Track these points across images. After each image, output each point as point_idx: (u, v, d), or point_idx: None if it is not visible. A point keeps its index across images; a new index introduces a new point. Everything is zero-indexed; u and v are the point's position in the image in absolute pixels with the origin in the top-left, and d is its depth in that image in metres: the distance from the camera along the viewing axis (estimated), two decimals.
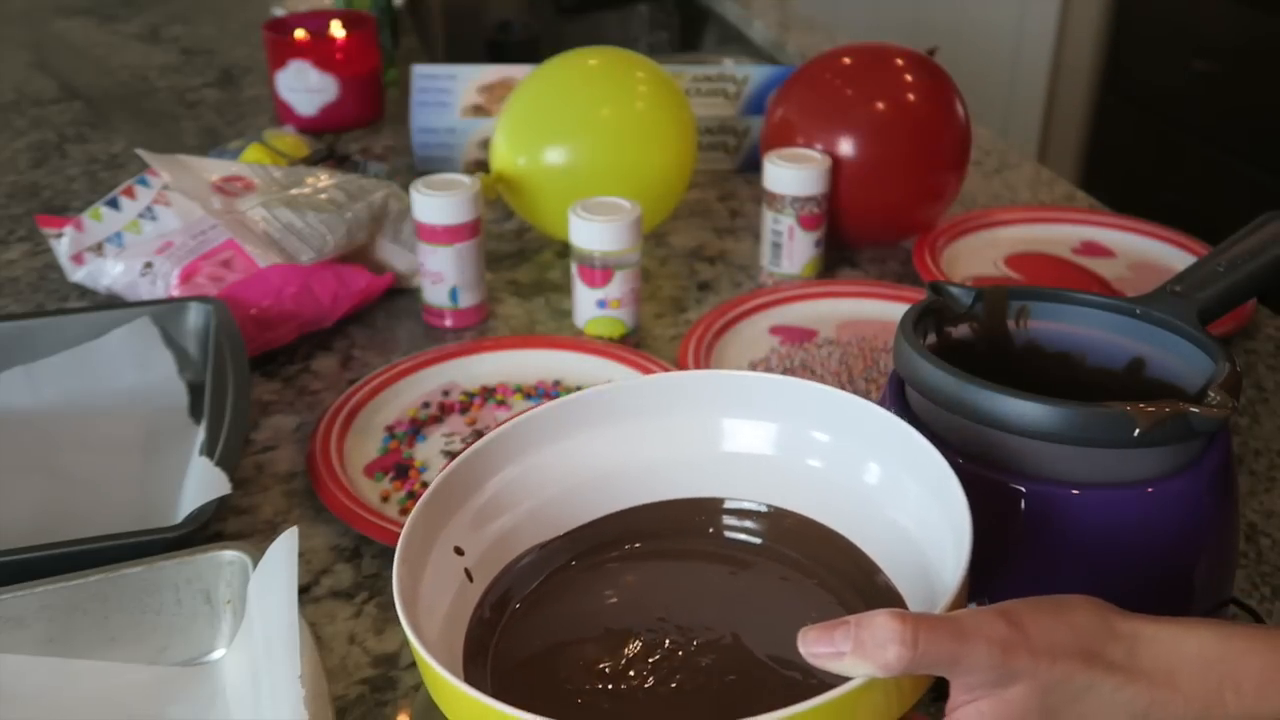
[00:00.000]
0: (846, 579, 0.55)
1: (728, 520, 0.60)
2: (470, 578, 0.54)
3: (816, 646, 0.39)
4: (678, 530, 0.59)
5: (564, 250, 1.08)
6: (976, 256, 1.06)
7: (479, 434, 0.81)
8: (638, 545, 0.59)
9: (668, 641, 0.52)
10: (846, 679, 0.39)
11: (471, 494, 0.56)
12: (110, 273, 0.96)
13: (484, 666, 0.51)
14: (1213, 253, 0.65)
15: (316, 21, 1.41)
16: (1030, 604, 0.41)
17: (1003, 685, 0.39)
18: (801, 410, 0.58)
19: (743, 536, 0.59)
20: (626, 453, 0.59)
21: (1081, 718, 0.40)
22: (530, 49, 2.14)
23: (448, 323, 0.96)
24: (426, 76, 1.25)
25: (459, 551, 0.54)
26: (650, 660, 0.51)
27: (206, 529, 0.66)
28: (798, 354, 0.90)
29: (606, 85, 1.03)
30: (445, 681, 0.43)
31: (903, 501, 0.54)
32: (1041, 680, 0.39)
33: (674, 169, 1.04)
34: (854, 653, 0.38)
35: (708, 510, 0.60)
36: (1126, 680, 0.40)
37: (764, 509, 0.59)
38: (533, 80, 1.05)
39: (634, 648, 0.52)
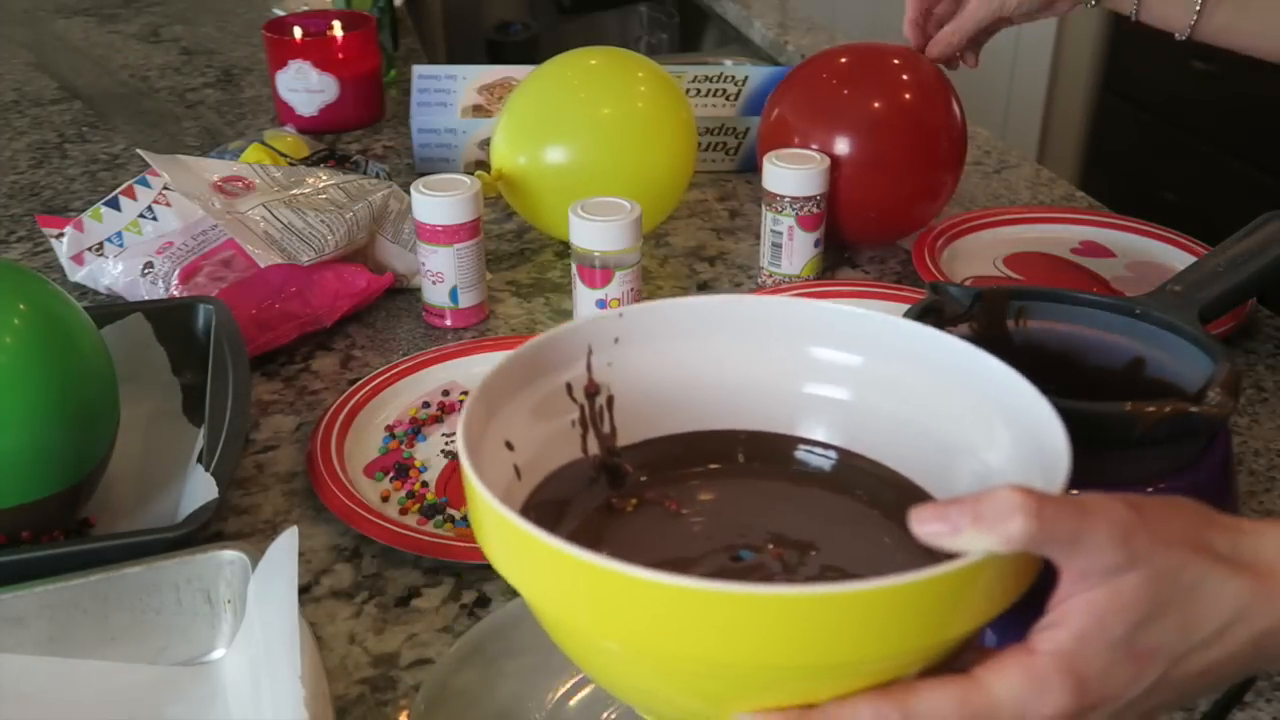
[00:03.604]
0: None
1: (800, 455, 0.56)
2: (519, 475, 0.51)
3: (931, 524, 0.37)
4: (749, 458, 0.56)
5: (564, 250, 1.08)
6: (976, 256, 1.06)
7: None
8: (709, 467, 0.55)
9: (745, 554, 0.49)
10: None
11: (532, 382, 0.52)
12: (110, 273, 0.96)
13: None
14: (1213, 253, 0.65)
15: (316, 21, 1.41)
16: (1141, 496, 0.40)
17: (1118, 573, 0.38)
18: (882, 345, 0.54)
19: (812, 472, 0.55)
20: (706, 372, 0.55)
21: (1190, 611, 0.39)
22: (530, 49, 2.14)
23: (448, 323, 0.96)
24: (426, 76, 1.25)
25: (509, 446, 0.51)
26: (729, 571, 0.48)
27: (206, 529, 0.66)
28: None
29: (607, 85, 1.03)
30: (509, 522, 0.39)
31: (988, 442, 0.50)
32: (1157, 567, 0.38)
33: (674, 169, 1.04)
34: (974, 524, 0.36)
35: (780, 445, 0.56)
36: (1232, 572, 0.39)
37: (836, 452, 0.55)
38: (533, 80, 1.05)
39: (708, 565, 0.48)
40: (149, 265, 0.95)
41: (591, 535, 0.51)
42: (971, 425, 0.51)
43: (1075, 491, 0.40)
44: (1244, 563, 0.40)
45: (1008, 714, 0.38)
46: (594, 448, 0.55)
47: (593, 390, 0.55)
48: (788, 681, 0.39)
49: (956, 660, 0.41)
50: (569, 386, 0.54)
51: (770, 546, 0.50)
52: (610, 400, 0.55)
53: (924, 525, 0.37)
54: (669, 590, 0.36)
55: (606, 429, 0.55)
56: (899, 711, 0.38)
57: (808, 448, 0.56)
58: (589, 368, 0.54)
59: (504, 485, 0.50)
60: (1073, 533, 0.37)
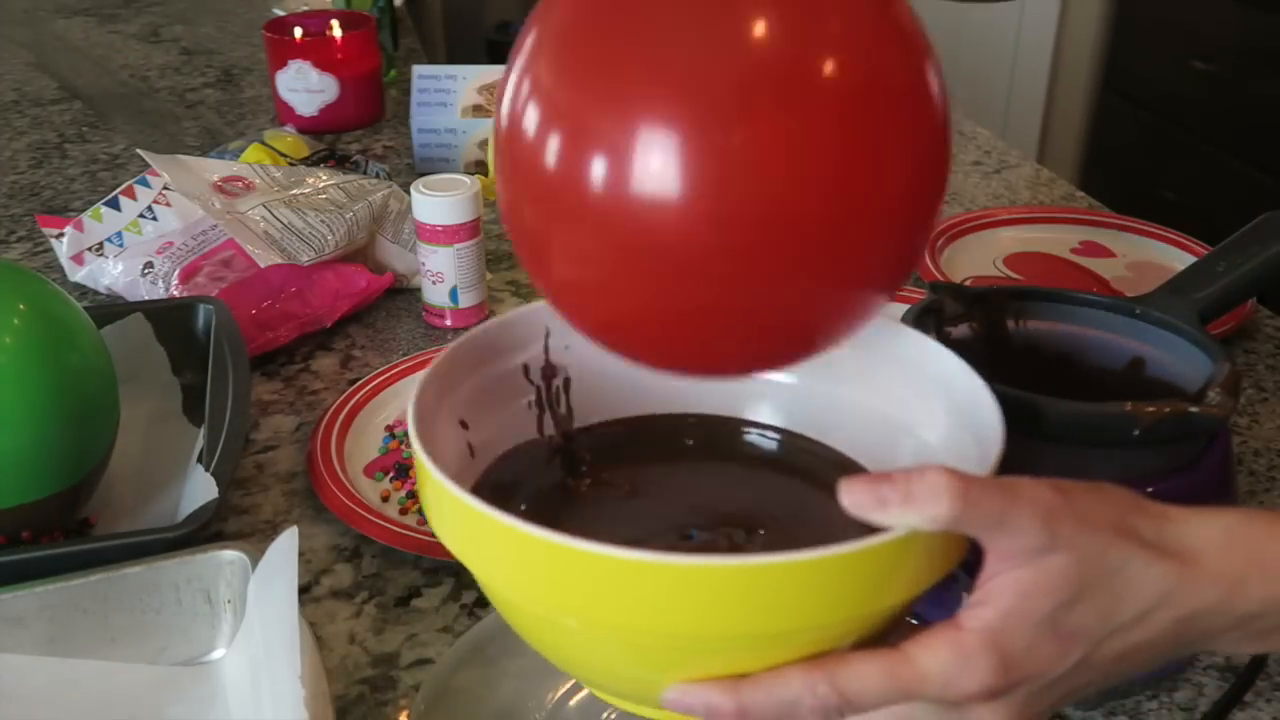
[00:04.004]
0: None
1: (748, 438, 0.57)
2: (472, 453, 0.52)
3: (859, 495, 0.38)
4: (699, 441, 0.56)
5: None
6: (976, 256, 1.06)
7: None
8: (661, 449, 0.55)
9: (694, 534, 0.50)
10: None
11: (490, 362, 0.53)
12: (110, 273, 0.96)
13: None
14: (1213, 253, 0.65)
15: (316, 21, 1.41)
16: (1070, 481, 0.41)
17: (1042, 554, 0.39)
18: None
19: (759, 454, 0.56)
20: None
21: (1114, 594, 0.40)
22: None
23: (448, 323, 0.96)
24: (426, 76, 1.25)
25: (464, 425, 0.51)
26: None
27: (206, 529, 0.66)
28: None
29: None
30: (462, 502, 0.39)
31: (929, 422, 0.51)
32: (1081, 550, 0.39)
33: None
34: (902, 503, 0.37)
35: (729, 428, 0.57)
36: (1156, 558, 0.40)
37: (782, 434, 0.56)
38: None
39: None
40: (149, 265, 0.95)
41: (545, 515, 0.51)
42: (912, 406, 0.52)
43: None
44: (1169, 549, 0.40)
45: (934, 687, 0.39)
46: (550, 429, 0.55)
47: (550, 373, 0.55)
48: (724, 651, 0.40)
49: (888, 636, 0.41)
50: (526, 368, 0.54)
51: (720, 526, 0.50)
52: (567, 383, 0.55)
53: (853, 497, 0.38)
54: (606, 561, 0.37)
55: (563, 411, 0.56)
56: (828, 681, 0.39)
57: (755, 430, 0.57)
58: (546, 350, 0.55)
59: (457, 463, 0.50)
60: (997, 515, 0.38)
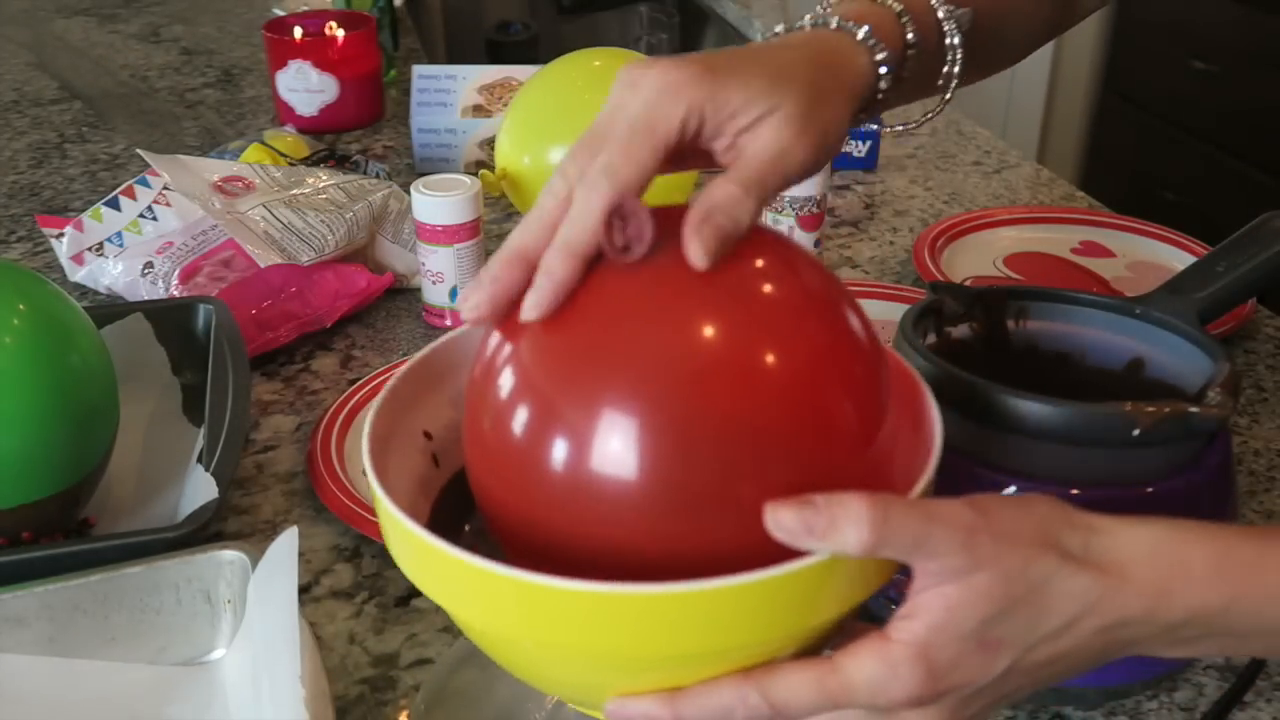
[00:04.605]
0: None
1: None
2: (436, 463, 0.53)
3: (787, 522, 0.39)
4: None
5: None
6: (976, 256, 1.06)
7: None
8: None
9: None
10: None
11: (455, 372, 0.54)
12: (110, 273, 0.97)
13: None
14: (1213, 253, 0.65)
15: (316, 21, 1.41)
16: (996, 497, 0.42)
17: (966, 571, 0.40)
18: None
19: None
20: None
21: (1038, 605, 0.41)
22: (530, 49, 2.14)
23: (448, 323, 0.96)
24: (426, 76, 1.25)
25: (428, 435, 0.53)
26: None
27: (206, 529, 0.66)
28: None
29: (610, 86, 1.03)
30: (413, 534, 0.42)
31: None
32: (1003, 566, 0.40)
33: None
34: (826, 532, 0.38)
35: None
36: (1080, 569, 0.41)
37: None
38: (537, 81, 1.05)
39: None
40: (149, 265, 0.95)
41: None
42: None
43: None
44: (1094, 561, 0.41)
45: (863, 697, 0.40)
46: None
47: None
48: (661, 668, 0.41)
49: (830, 641, 0.43)
50: None
51: None
52: None
53: (779, 523, 0.39)
54: (542, 590, 0.39)
55: None
56: (758, 692, 0.40)
57: None
58: None
59: (420, 473, 0.51)
60: (915, 541, 0.39)
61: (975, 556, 0.40)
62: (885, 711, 0.41)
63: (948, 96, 0.60)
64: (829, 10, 0.54)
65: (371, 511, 0.72)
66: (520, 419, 0.42)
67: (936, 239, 1.05)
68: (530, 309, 0.42)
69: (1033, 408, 0.54)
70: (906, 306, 0.65)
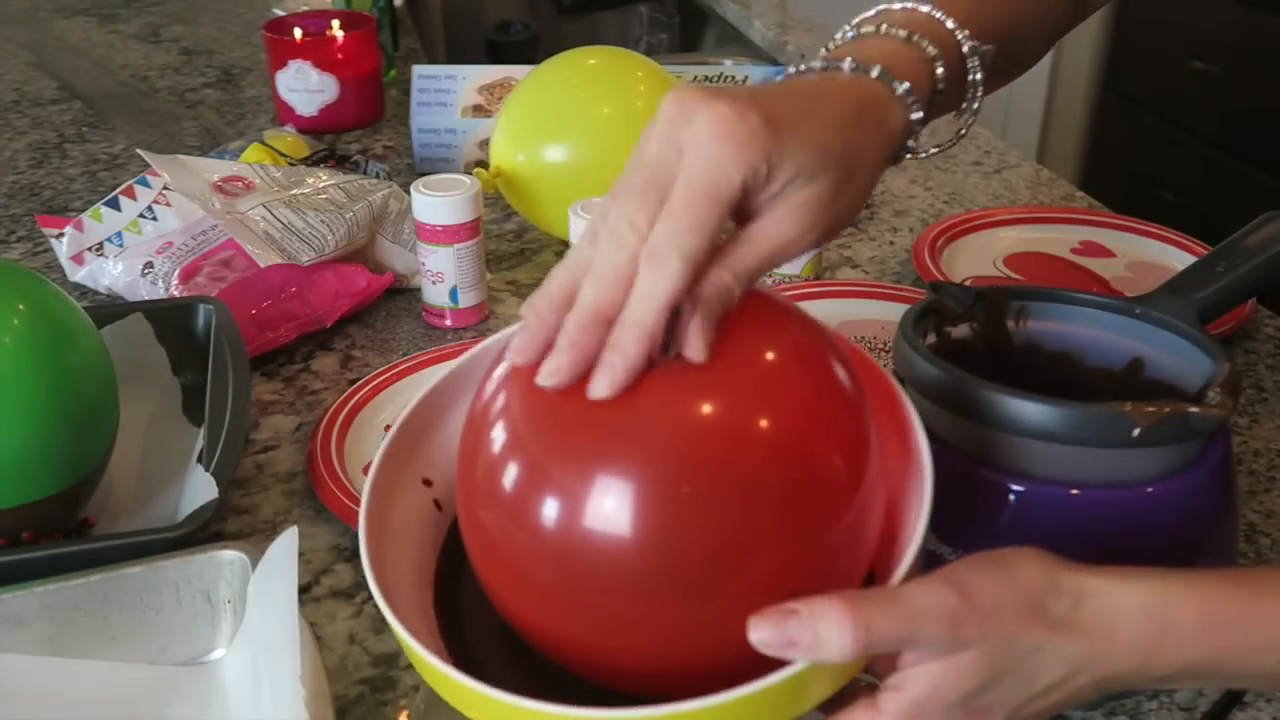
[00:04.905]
0: None
1: None
2: (439, 507, 0.54)
3: (769, 635, 0.40)
4: None
5: (564, 250, 1.08)
6: (976, 256, 1.06)
7: None
8: None
9: None
10: None
11: (440, 422, 0.55)
12: (110, 273, 0.96)
13: (456, 598, 0.52)
14: (1213, 253, 0.65)
15: (316, 21, 1.41)
16: (976, 565, 0.43)
17: (953, 652, 0.41)
18: None
19: None
20: None
21: (1028, 672, 0.42)
22: (530, 49, 2.14)
23: (448, 323, 0.96)
24: (426, 76, 1.25)
25: (427, 483, 0.54)
26: None
27: (206, 529, 0.66)
28: None
29: (606, 84, 1.03)
30: (428, 663, 0.43)
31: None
32: (991, 644, 0.41)
33: None
34: (810, 647, 0.39)
35: None
36: (1069, 637, 0.42)
37: None
38: (533, 79, 1.05)
39: None
40: (149, 265, 0.95)
41: None
42: None
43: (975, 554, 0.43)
44: (1083, 626, 0.42)
45: None
46: None
47: None
48: None
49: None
50: None
51: None
52: None
53: (761, 636, 0.40)
54: (531, 715, 0.40)
55: None
56: None
57: None
58: None
59: (424, 521, 0.53)
60: (901, 640, 0.40)
61: (964, 642, 0.41)
62: None
63: (963, 132, 0.59)
64: (856, 39, 0.53)
65: None
66: (514, 479, 0.43)
67: (936, 239, 1.05)
68: (603, 389, 0.42)
69: (1033, 408, 0.54)
70: (906, 306, 0.65)
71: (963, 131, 0.60)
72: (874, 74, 0.51)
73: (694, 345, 0.42)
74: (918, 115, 0.52)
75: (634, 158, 0.45)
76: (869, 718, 0.42)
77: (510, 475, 0.43)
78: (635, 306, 0.42)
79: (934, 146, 0.59)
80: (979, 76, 0.57)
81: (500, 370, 0.47)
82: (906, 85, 0.51)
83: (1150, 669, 0.43)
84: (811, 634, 0.39)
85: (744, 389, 0.43)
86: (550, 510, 0.42)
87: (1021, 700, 0.42)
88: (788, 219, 0.45)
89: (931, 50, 0.53)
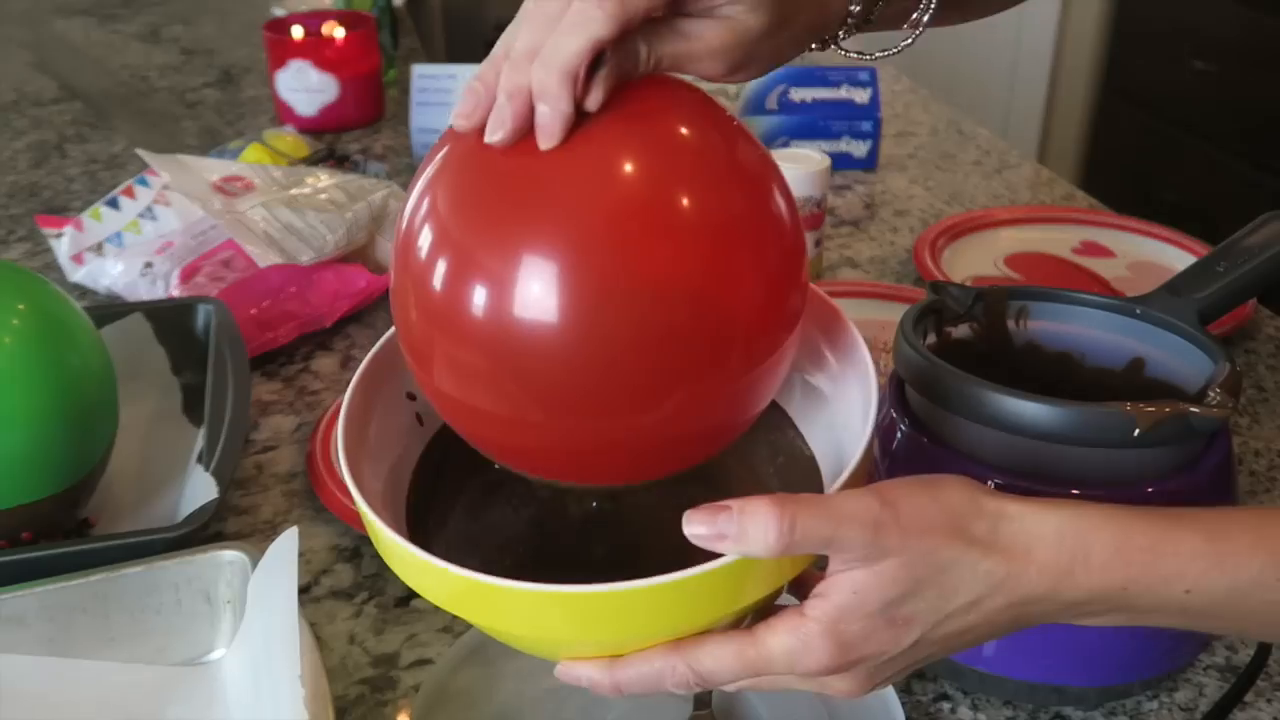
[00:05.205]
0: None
1: None
2: (420, 421, 0.54)
3: (700, 529, 0.42)
4: None
5: None
6: (976, 256, 1.06)
7: None
8: None
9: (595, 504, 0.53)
10: None
11: None
12: (110, 273, 0.96)
13: (431, 512, 0.53)
14: (1213, 253, 0.65)
15: (316, 21, 1.41)
16: (905, 484, 0.44)
17: (875, 559, 0.42)
18: None
19: None
20: None
21: (945, 586, 0.43)
22: None
23: None
24: (426, 76, 1.25)
25: (411, 397, 0.54)
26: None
27: (206, 529, 0.66)
28: None
29: None
30: (384, 535, 0.45)
31: (819, 364, 0.54)
32: (910, 554, 0.43)
33: None
34: (736, 538, 0.41)
35: None
36: (986, 553, 0.43)
37: None
38: None
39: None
40: (149, 265, 0.95)
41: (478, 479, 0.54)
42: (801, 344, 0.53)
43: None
44: (1000, 545, 0.44)
45: (780, 667, 0.44)
46: None
47: None
48: (601, 647, 0.45)
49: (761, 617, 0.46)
50: None
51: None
52: None
53: (693, 529, 0.42)
54: (485, 588, 0.42)
55: None
56: (684, 661, 0.44)
57: None
58: None
59: (404, 437, 0.53)
60: (825, 539, 0.42)
61: (884, 548, 0.42)
62: (805, 676, 0.45)
63: (909, 41, 0.58)
64: None
65: None
66: (443, 269, 0.43)
67: (936, 239, 1.05)
68: (545, 140, 0.42)
69: (1033, 408, 0.54)
70: (906, 306, 0.65)
71: (908, 41, 0.58)
72: None
73: (593, 95, 0.42)
74: (855, 6, 0.53)
75: None
76: (795, 624, 0.43)
77: (440, 265, 0.43)
78: (558, 45, 0.42)
79: (860, 52, 0.58)
80: None
81: (435, 154, 0.46)
82: None
83: (1062, 593, 0.44)
84: (739, 528, 0.41)
85: (677, 179, 0.43)
86: (479, 298, 0.42)
87: (939, 617, 0.44)
88: (711, 33, 0.46)
89: None
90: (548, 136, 0.42)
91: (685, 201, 0.42)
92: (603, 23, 0.42)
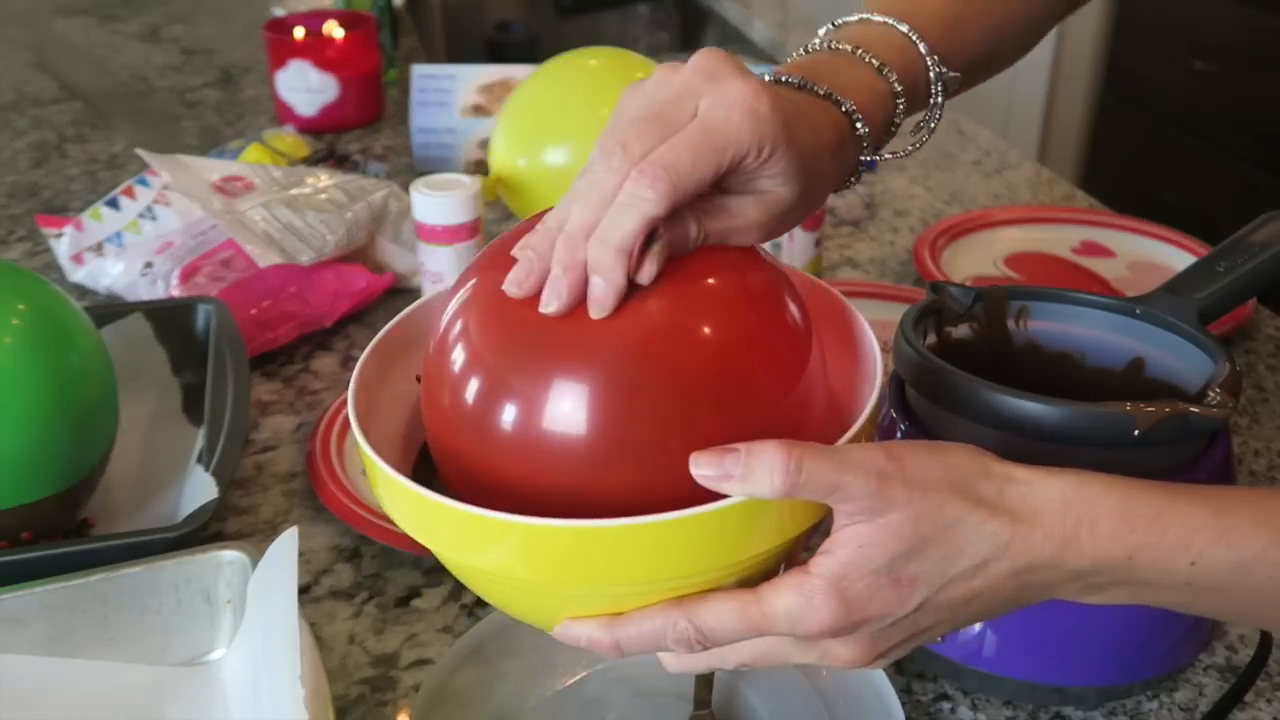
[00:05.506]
0: None
1: None
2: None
3: (707, 469, 0.42)
4: None
5: None
6: (976, 256, 1.06)
7: None
8: None
9: None
10: None
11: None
12: (110, 273, 0.96)
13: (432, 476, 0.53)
14: (1213, 253, 0.65)
15: (316, 21, 1.41)
16: (913, 444, 0.44)
17: (879, 512, 0.42)
18: None
19: None
20: None
21: (950, 545, 0.43)
22: (530, 49, 2.14)
23: None
24: (426, 76, 1.25)
25: (419, 380, 0.54)
26: None
27: (206, 529, 0.66)
28: None
29: (607, 86, 1.03)
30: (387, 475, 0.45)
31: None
32: (914, 509, 0.42)
33: None
34: (742, 478, 0.41)
35: None
36: (992, 515, 0.43)
37: None
38: (533, 81, 1.04)
39: None
40: (149, 265, 0.95)
41: None
42: None
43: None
44: (1006, 507, 0.44)
45: (783, 626, 0.43)
46: None
47: None
48: (600, 597, 0.45)
49: (782, 567, 0.46)
50: None
51: None
52: None
53: (700, 470, 0.42)
54: (490, 523, 0.42)
55: None
56: (686, 618, 0.44)
57: None
58: None
59: (412, 413, 0.53)
60: (829, 487, 0.42)
61: (887, 499, 0.42)
62: (807, 640, 0.44)
63: (916, 146, 0.60)
64: (833, 52, 0.55)
65: (371, 511, 0.72)
66: (474, 388, 0.45)
67: (936, 239, 1.05)
68: (595, 311, 0.44)
69: (1033, 408, 0.54)
70: (906, 306, 0.65)
71: (915, 146, 0.61)
72: (844, 109, 0.53)
73: (646, 269, 0.44)
74: (866, 158, 0.55)
75: (634, 95, 0.47)
76: (800, 581, 0.43)
77: (473, 389, 0.45)
78: (614, 224, 0.44)
79: (892, 154, 0.60)
80: (940, 100, 0.59)
81: (457, 298, 0.48)
82: (867, 130, 0.54)
83: (1067, 560, 0.44)
84: (745, 468, 0.41)
85: (690, 305, 0.45)
86: (509, 415, 0.44)
87: (944, 579, 0.44)
88: (752, 209, 0.48)
89: (898, 86, 0.56)
90: (600, 308, 0.44)
91: (697, 329, 0.45)
92: (655, 203, 0.43)
